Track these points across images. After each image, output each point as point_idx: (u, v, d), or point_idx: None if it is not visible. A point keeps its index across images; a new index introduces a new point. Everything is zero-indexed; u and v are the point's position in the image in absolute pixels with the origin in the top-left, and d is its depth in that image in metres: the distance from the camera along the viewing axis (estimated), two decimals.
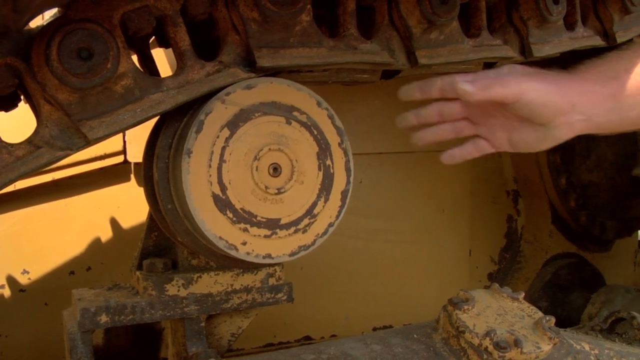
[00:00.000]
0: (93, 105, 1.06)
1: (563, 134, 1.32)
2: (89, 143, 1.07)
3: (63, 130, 1.06)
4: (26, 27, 1.04)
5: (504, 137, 1.39)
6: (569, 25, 1.67)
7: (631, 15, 1.75)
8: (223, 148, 1.17)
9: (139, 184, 2.11)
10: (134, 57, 1.21)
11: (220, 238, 1.20)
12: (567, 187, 2.71)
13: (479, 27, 1.50)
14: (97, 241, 2.10)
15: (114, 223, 2.12)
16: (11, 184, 1.04)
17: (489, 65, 1.58)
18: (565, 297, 2.71)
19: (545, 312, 2.28)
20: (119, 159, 2.06)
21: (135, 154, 2.04)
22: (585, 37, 1.70)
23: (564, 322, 2.50)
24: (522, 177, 2.78)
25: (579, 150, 2.73)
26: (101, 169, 2.05)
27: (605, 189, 2.77)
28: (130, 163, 2.08)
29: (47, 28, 1.02)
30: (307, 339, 2.36)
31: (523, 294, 1.56)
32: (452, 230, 2.63)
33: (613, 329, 1.79)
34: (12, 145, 1.03)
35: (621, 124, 1.29)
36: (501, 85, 1.27)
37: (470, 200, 2.66)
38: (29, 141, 1.04)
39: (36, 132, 1.06)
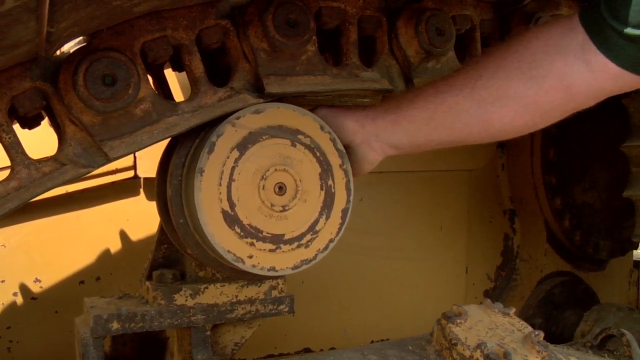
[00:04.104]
0: (114, 127, 1.15)
1: (366, 154, 1.40)
2: (109, 161, 1.15)
3: (86, 149, 1.14)
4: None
5: None
6: None
7: None
8: (233, 168, 1.26)
9: (149, 199, 2.18)
10: (150, 79, 1.30)
11: (229, 251, 1.28)
12: (562, 208, 2.78)
13: (475, 56, 1.58)
14: (106, 252, 2.17)
15: (123, 235, 2.19)
16: (36, 197, 1.13)
17: None
18: (559, 315, 2.77)
19: (540, 329, 2.34)
20: (130, 173, 2.13)
21: (145, 170, 2.11)
22: None
23: (557, 339, 2.55)
24: (519, 197, 2.85)
25: (573, 171, 2.80)
26: (112, 183, 2.12)
27: (599, 209, 2.84)
28: (140, 178, 2.15)
29: (73, 55, 1.11)
30: (307, 351, 2.41)
31: (514, 310, 1.62)
32: (449, 247, 2.70)
33: (604, 345, 1.85)
34: (39, 162, 1.12)
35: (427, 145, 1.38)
36: None
37: (468, 219, 2.73)
38: (54, 158, 1.13)
39: (61, 150, 1.14)
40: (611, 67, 1.14)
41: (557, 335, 2.68)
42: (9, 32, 0.84)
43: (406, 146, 1.38)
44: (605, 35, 1.12)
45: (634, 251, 3.07)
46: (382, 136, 1.36)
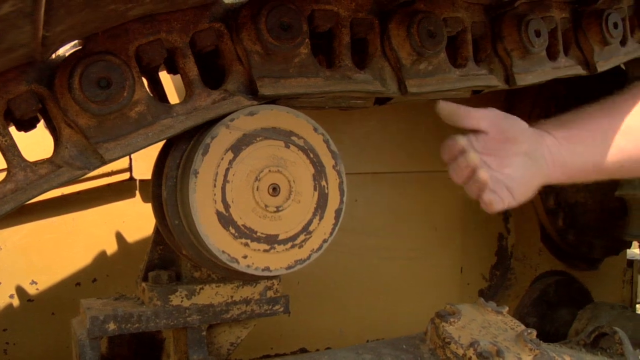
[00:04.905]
0: (109, 129, 1.16)
1: (544, 167, 1.34)
2: (104, 163, 1.17)
3: (81, 151, 1.16)
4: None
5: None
6: (552, 56, 1.77)
7: (610, 46, 1.86)
8: (227, 169, 1.27)
9: (144, 200, 2.20)
10: (145, 81, 1.31)
11: (223, 252, 1.29)
12: (555, 207, 2.81)
13: (466, 57, 1.60)
14: (102, 254, 2.18)
15: (119, 237, 2.20)
16: (32, 199, 1.14)
17: (476, 92, 1.68)
18: (554, 314, 2.80)
19: (534, 328, 2.35)
20: (125, 176, 2.14)
21: (141, 172, 2.12)
22: (567, 67, 1.81)
23: (552, 338, 2.58)
24: None
25: None
26: (108, 185, 2.14)
27: (592, 209, 2.86)
28: (135, 180, 2.16)
29: (69, 59, 1.13)
30: (303, 351, 2.42)
31: (507, 308, 1.64)
32: (444, 247, 2.71)
33: (597, 343, 1.87)
34: (35, 164, 1.13)
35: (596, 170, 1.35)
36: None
37: (462, 219, 2.73)
38: (50, 161, 1.14)
39: (56, 152, 1.16)
40: None
41: (551, 334, 2.71)
42: (4, 37, 0.85)
43: (575, 169, 1.34)
44: None
45: (628, 250, 3.09)
46: (553, 150, 1.33)
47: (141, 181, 2.18)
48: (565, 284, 2.88)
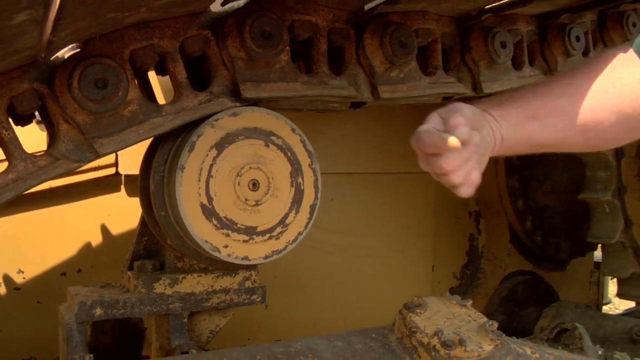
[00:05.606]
0: (104, 126, 1.26)
1: (490, 141, 1.38)
2: (99, 157, 1.27)
3: (78, 146, 1.26)
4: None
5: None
6: (517, 66, 1.88)
7: (573, 57, 1.97)
8: (211, 165, 1.38)
9: (129, 195, 2.27)
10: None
11: (206, 241, 1.39)
12: (524, 210, 2.90)
13: (435, 66, 1.71)
14: (87, 245, 2.25)
15: (104, 230, 2.27)
16: (31, 188, 1.23)
17: (447, 98, 1.78)
18: (521, 311, 2.89)
19: (502, 325, 2.42)
20: (111, 170, 2.21)
21: (126, 167, 2.19)
22: (532, 76, 1.92)
23: (518, 334, 2.61)
24: (484, 199, 2.96)
25: (535, 175, 2.92)
26: (95, 179, 2.21)
27: (560, 211, 2.95)
28: (121, 175, 2.24)
29: (69, 61, 1.22)
30: None
31: (471, 302, 1.73)
32: (416, 246, 2.79)
33: (559, 338, 1.96)
34: (35, 156, 1.23)
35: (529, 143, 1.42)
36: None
37: (434, 219, 2.82)
38: (49, 153, 1.24)
39: (55, 146, 1.25)
40: None
41: (518, 331, 2.78)
42: (14, 41, 0.95)
43: (511, 142, 1.39)
44: None
45: (595, 252, 3.17)
46: (493, 126, 1.37)
47: (126, 176, 2.24)
48: (532, 283, 2.97)
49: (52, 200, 2.19)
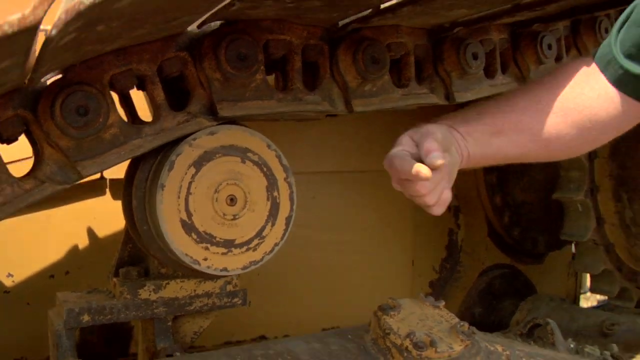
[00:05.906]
0: (87, 149, 1.32)
1: (457, 157, 1.43)
2: (82, 178, 1.33)
3: (62, 168, 1.31)
4: None
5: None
6: (490, 74, 1.93)
7: (546, 65, 2.03)
8: (190, 183, 1.44)
9: (114, 198, 2.31)
10: (116, 98, 1.45)
11: (186, 254, 1.46)
12: (502, 205, 2.96)
13: (409, 78, 1.75)
14: (75, 248, 2.29)
15: (90, 232, 2.31)
16: (18, 210, 1.29)
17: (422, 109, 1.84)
18: (498, 305, 2.96)
19: (480, 318, 2.47)
20: (96, 175, 2.23)
21: (111, 171, 2.17)
22: (504, 84, 1.98)
23: (495, 327, 2.72)
24: (463, 194, 3.01)
25: (513, 171, 2.98)
26: (80, 183, 2.17)
27: (536, 208, 3.03)
28: (106, 179, 2.27)
29: (51, 87, 1.27)
30: (262, 338, 2.56)
31: (443, 303, 1.80)
32: (396, 242, 2.84)
33: (532, 333, 2.03)
34: (21, 179, 1.28)
35: (496, 157, 1.50)
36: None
37: (414, 215, 2.85)
38: (34, 176, 1.29)
39: (40, 169, 1.31)
40: None
41: (495, 324, 2.86)
42: None
43: (478, 157, 1.45)
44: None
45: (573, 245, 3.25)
46: (461, 144, 1.43)
47: (111, 180, 2.27)
48: (510, 276, 3.03)
49: (39, 205, 2.17)
